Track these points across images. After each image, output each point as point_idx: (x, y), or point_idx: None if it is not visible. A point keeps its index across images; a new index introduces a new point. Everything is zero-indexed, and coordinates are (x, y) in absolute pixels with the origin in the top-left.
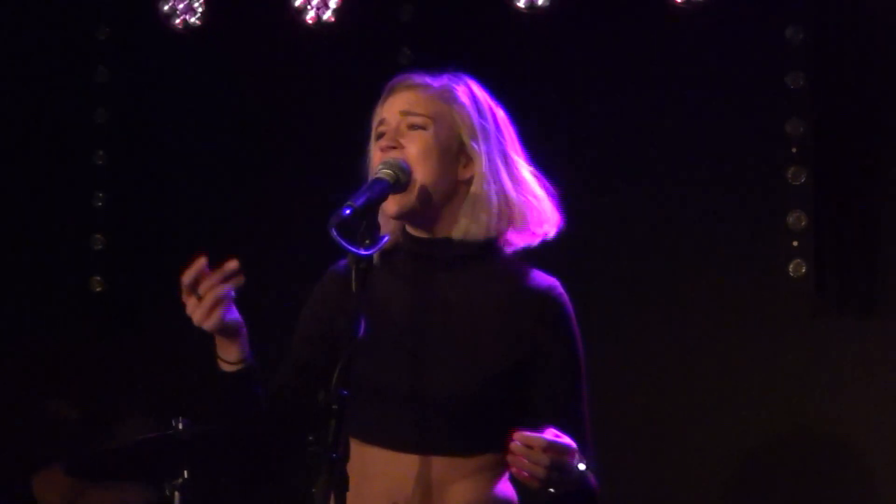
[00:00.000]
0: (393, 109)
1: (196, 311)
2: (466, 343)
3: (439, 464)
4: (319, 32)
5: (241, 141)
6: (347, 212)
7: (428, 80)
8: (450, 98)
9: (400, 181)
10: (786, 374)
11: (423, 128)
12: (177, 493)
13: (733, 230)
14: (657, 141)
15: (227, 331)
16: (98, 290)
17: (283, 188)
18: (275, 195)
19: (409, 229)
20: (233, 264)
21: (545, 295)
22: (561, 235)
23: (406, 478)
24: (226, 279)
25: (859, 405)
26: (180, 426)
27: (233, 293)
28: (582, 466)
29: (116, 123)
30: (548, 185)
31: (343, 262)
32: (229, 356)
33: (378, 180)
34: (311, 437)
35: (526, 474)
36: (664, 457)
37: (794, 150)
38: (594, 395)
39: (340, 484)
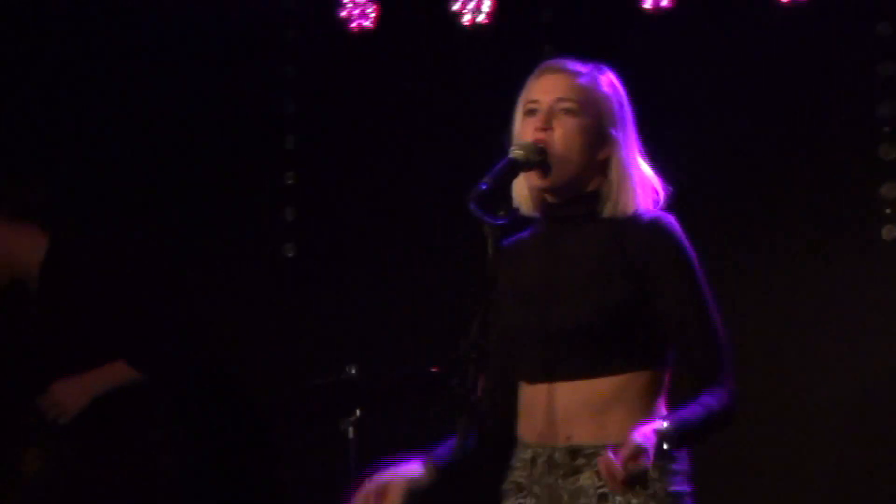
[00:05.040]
0: (547, 93)
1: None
2: (585, 283)
3: (588, 387)
4: (474, 34)
5: (408, 126)
6: (484, 187)
7: (578, 67)
8: (596, 88)
9: (530, 161)
10: (881, 333)
11: (573, 113)
12: (350, 429)
13: (827, 199)
14: (760, 121)
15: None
16: (290, 255)
17: (439, 181)
18: (434, 187)
19: (548, 197)
20: None
21: (650, 226)
22: (682, 204)
23: (566, 406)
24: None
25: None
26: (353, 371)
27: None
28: (663, 425)
29: (304, 116)
30: (653, 167)
31: (506, 241)
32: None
33: (510, 160)
34: (455, 381)
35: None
36: (756, 411)
37: (886, 130)
38: None
39: (477, 423)
